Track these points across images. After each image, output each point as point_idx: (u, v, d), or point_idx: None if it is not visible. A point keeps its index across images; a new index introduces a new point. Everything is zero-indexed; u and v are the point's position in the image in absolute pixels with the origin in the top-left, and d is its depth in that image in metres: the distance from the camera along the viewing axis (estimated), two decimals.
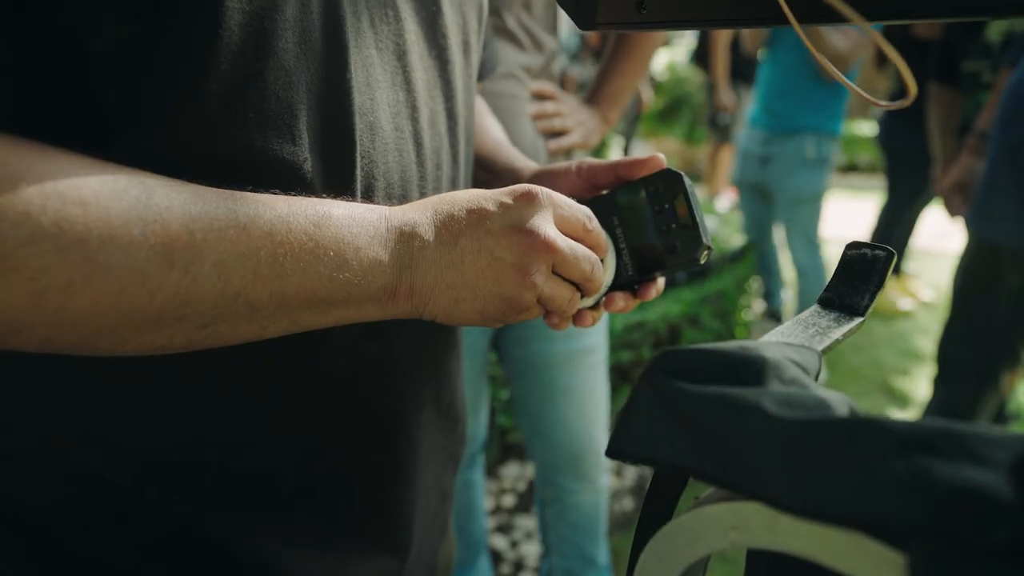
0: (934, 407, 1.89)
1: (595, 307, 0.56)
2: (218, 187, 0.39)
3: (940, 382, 1.87)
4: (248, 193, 0.39)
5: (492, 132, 0.76)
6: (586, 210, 0.52)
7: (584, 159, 0.61)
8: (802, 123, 2.63)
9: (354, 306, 0.42)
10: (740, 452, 0.27)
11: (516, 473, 2.24)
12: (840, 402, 0.28)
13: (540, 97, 1.17)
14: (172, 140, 0.39)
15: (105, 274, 0.33)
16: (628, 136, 5.34)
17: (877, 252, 0.41)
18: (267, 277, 0.38)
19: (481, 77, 0.75)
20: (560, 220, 0.49)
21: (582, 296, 0.53)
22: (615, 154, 5.15)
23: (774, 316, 3.22)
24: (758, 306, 3.35)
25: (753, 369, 0.30)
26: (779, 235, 3.07)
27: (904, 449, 0.24)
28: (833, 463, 0.25)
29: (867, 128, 7.32)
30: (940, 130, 2.33)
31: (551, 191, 0.49)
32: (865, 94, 0.40)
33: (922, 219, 3.46)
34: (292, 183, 0.43)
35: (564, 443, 1.35)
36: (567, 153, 1.22)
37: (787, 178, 2.74)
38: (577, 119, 1.21)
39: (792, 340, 0.37)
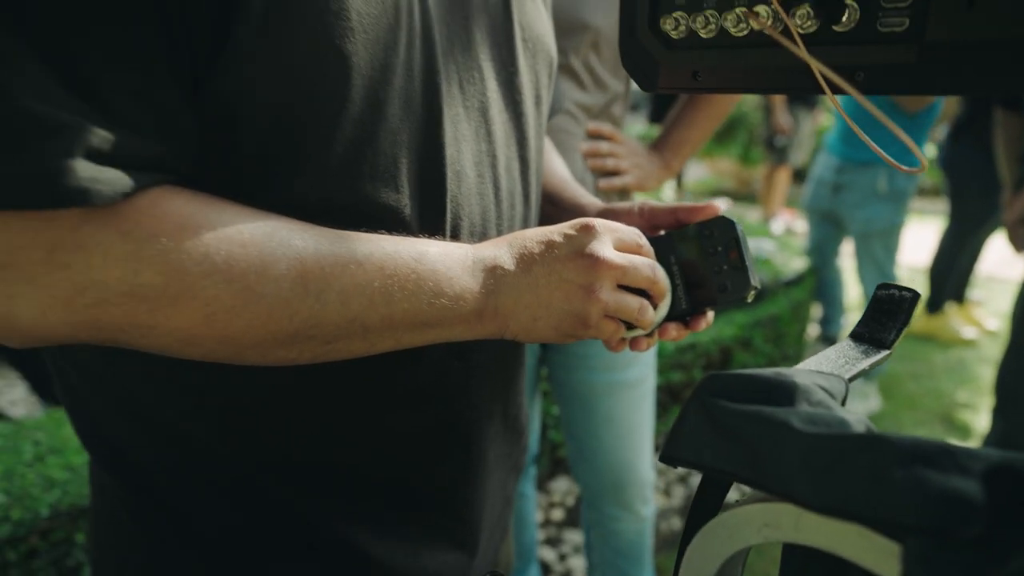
0: (993, 438, 1.86)
1: (650, 335, 0.63)
2: (339, 228, 0.47)
3: (999, 413, 1.84)
4: (362, 233, 0.47)
5: (559, 170, 0.83)
6: (637, 231, 0.58)
7: (647, 202, 0.68)
8: (876, 154, 2.59)
9: (447, 327, 0.50)
10: (770, 459, 0.34)
11: (565, 488, 2.28)
12: (857, 422, 0.34)
13: (596, 136, 1.22)
14: (305, 191, 0.47)
15: (258, 301, 0.42)
16: None
17: (904, 293, 0.46)
18: (379, 304, 0.46)
19: (548, 117, 0.83)
20: (618, 242, 0.56)
21: (654, 306, 0.59)
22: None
23: (830, 342, 3.18)
24: (814, 331, 3.32)
25: (785, 392, 0.36)
26: (847, 261, 3.05)
27: (904, 461, 0.30)
28: (846, 470, 0.31)
29: (929, 150, 7.13)
30: (1006, 157, 2.30)
31: (607, 221, 0.56)
32: (881, 153, 0.45)
33: (988, 245, 3.37)
34: (395, 224, 0.51)
35: (606, 471, 1.37)
36: (620, 193, 1.26)
37: (858, 209, 2.69)
38: (634, 162, 1.25)
39: (823, 368, 0.42)
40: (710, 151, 7.31)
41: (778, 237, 3.49)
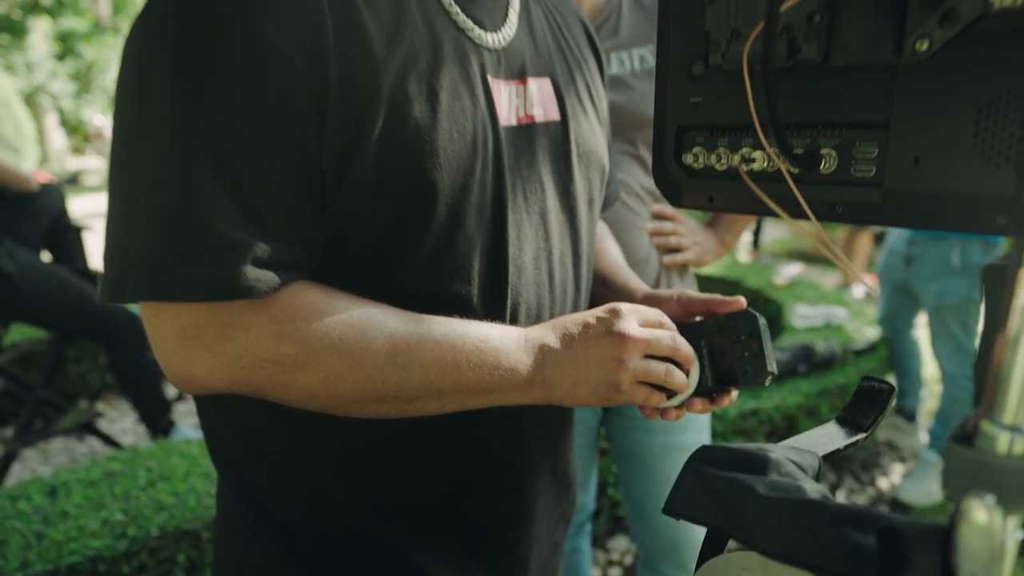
0: None
1: (680, 407, 0.73)
2: (423, 312, 0.61)
3: None
4: (440, 317, 0.61)
5: (612, 255, 0.95)
6: (659, 312, 0.69)
7: (684, 291, 0.79)
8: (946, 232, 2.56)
9: (504, 393, 0.62)
10: (742, 516, 0.44)
11: (624, 547, 2.32)
12: (813, 491, 0.44)
13: (660, 217, 1.34)
14: (399, 283, 0.61)
15: (360, 369, 0.56)
16: (758, 223, 5.36)
17: (882, 386, 0.55)
18: (450, 373, 0.59)
19: (604, 208, 0.95)
20: (642, 321, 0.67)
21: (672, 394, 0.70)
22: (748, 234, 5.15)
23: (906, 415, 3.09)
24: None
25: (759, 463, 0.46)
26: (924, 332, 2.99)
27: (836, 521, 0.40)
28: (794, 527, 0.41)
29: None
30: None
31: (633, 305, 0.67)
32: (849, 268, 0.55)
33: None
34: (465, 309, 0.64)
35: (663, 531, 1.42)
36: (682, 268, 1.37)
37: (931, 283, 2.64)
38: (694, 239, 1.36)
39: (804, 445, 0.52)
40: None
41: (853, 304, 3.45)
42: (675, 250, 1.34)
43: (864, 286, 3.90)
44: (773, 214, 0.59)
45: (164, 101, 0.52)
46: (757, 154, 0.55)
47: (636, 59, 1.23)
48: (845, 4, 0.48)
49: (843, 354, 2.70)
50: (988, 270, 0.44)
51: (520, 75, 0.70)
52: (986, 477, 0.33)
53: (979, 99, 0.45)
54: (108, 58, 15.59)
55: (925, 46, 0.46)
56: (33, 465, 2.91)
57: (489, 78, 0.66)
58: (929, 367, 3.30)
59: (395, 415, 0.60)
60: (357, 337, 0.56)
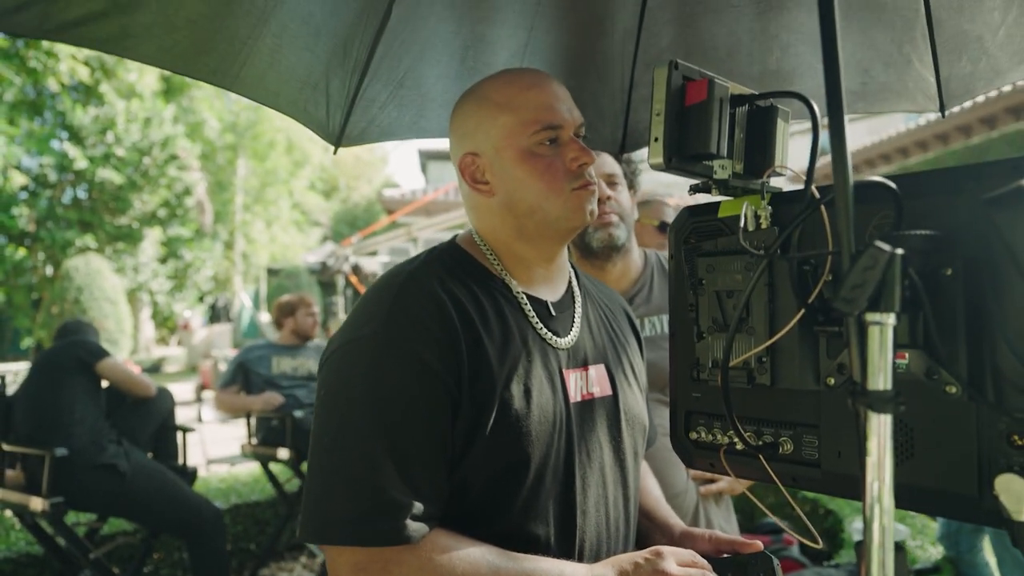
0: None
1: None
2: (516, 551, 0.84)
3: None
4: (530, 555, 0.84)
5: (654, 493, 1.17)
6: (693, 552, 0.90)
7: (715, 532, 1.00)
8: None
9: None
10: None
11: None
12: None
13: None
14: (499, 528, 0.85)
15: None
16: None
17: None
18: None
19: (646, 449, 1.19)
20: (679, 560, 0.87)
21: None
22: None
23: None
24: None
25: None
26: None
27: None
28: None
29: None
30: None
31: (672, 548, 0.89)
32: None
33: None
34: (544, 547, 0.87)
35: None
36: (717, 495, 1.57)
37: None
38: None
39: None
40: None
41: (914, 520, 3.40)
42: (711, 480, 1.54)
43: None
44: (753, 479, 0.83)
45: (358, 405, 0.83)
46: (737, 440, 0.80)
47: (665, 323, 1.53)
48: (782, 351, 0.75)
49: (906, 573, 2.66)
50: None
51: (583, 364, 0.99)
52: None
53: None
54: (204, 258, 17.44)
55: (832, 382, 0.72)
56: None
57: (563, 371, 0.95)
58: None
59: None
60: (473, 570, 0.80)
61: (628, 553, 0.90)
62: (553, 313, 0.99)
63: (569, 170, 0.94)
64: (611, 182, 1.51)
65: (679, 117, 0.75)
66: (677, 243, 0.88)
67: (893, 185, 0.67)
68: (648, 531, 1.08)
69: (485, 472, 0.86)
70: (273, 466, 3.85)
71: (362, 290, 10.56)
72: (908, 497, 0.69)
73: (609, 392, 1.02)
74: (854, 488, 0.72)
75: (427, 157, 22.15)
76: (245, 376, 3.93)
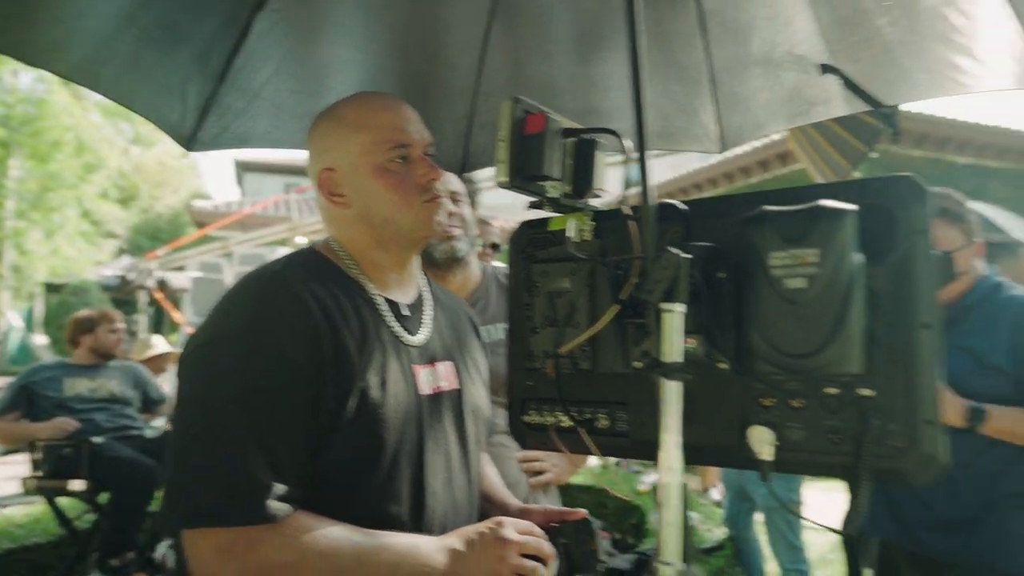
0: None
1: None
2: (373, 528, 0.91)
3: None
4: (386, 532, 0.91)
5: (493, 478, 1.30)
6: (530, 523, 1.03)
7: (547, 506, 1.14)
8: None
9: None
10: None
11: None
12: None
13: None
14: (357, 509, 0.92)
15: (337, 569, 0.86)
16: None
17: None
18: (396, 570, 0.89)
19: (484, 444, 1.31)
20: (518, 529, 1.00)
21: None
22: None
23: None
24: None
25: None
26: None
27: None
28: None
29: None
30: None
31: (512, 518, 1.01)
32: None
33: None
34: (399, 524, 0.95)
35: None
36: (546, 486, 1.74)
37: (761, 486, 3.15)
38: (553, 463, 1.75)
39: None
40: None
41: (705, 507, 3.88)
42: (539, 472, 1.71)
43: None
44: (578, 452, 0.98)
45: (224, 398, 0.87)
46: (564, 418, 0.95)
47: (500, 331, 1.68)
48: (601, 341, 0.91)
49: (694, 553, 3.04)
50: None
51: (432, 360, 1.09)
52: None
53: None
54: None
55: (638, 364, 0.89)
56: None
57: (413, 366, 1.04)
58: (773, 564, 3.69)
59: None
60: (335, 547, 0.86)
61: (472, 525, 1.01)
62: (405, 314, 1.08)
63: (419, 185, 1.04)
64: (455, 199, 1.64)
65: (520, 144, 0.89)
66: (515, 252, 1.02)
67: (684, 207, 0.86)
68: (488, 510, 1.20)
69: (346, 456, 0.93)
70: (62, 501, 3.45)
71: (169, 307, 9.72)
72: (694, 453, 0.87)
73: (456, 386, 1.13)
74: (654, 451, 0.89)
75: (244, 168, 20.94)
76: (29, 400, 3.50)
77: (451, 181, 1.63)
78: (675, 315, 0.73)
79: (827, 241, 0.69)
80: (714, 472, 6.00)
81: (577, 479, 4.41)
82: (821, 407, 0.78)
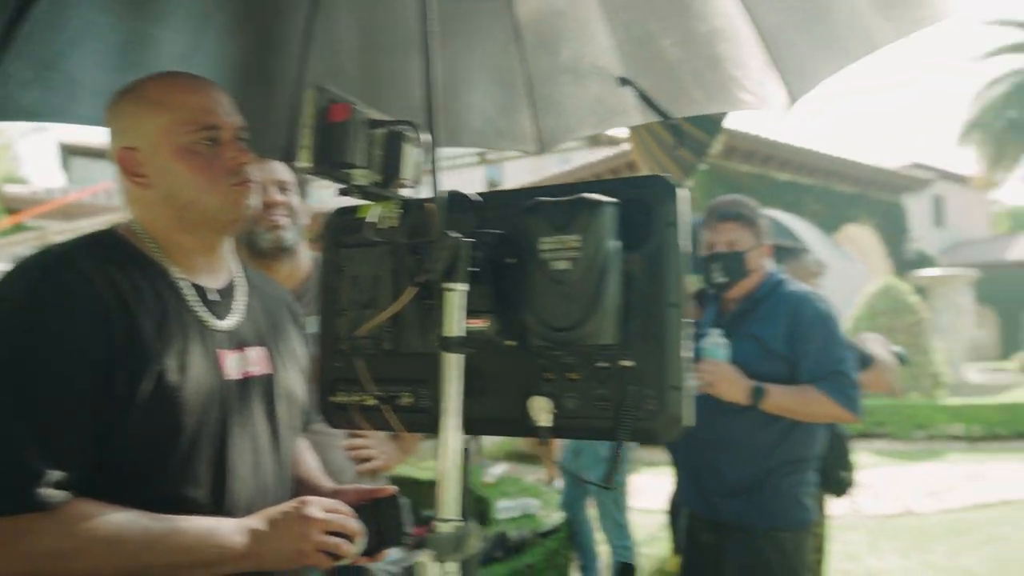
0: None
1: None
2: (172, 513, 0.89)
3: None
4: (182, 516, 0.90)
5: (308, 464, 1.31)
6: (337, 501, 1.06)
7: (359, 486, 1.17)
8: None
9: (228, 563, 0.92)
10: None
11: None
12: None
13: (355, 435, 1.73)
14: (151, 493, 0.90)
15: (121, 557, 0.84)
16: None
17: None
18: (189, 554, 0.88)
19: (304, 429, 1.32)
20: (324, 507, 1.02)
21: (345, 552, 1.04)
22: None
23: None
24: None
25: None
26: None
27: None
28: None
29: None
30: None
31: (318, 498, 1.03)
32: None
33: None
34: (200, 509, 0.94)
35: None
36: (373, 472, 1.75)
37: (592, 470, 3.39)
38: (381, 450, 1.77)
39: None
40: None
41: (546, 494, 4.07)
42: (367, 459, 1.73)
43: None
44: (384, 429, 1.02)
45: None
46: (369, 397, 0.99)
47: None
48: (402, 321, 0.96)
49: (533, 537, 3.20)
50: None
51: (241, 345, 1.09)
52: (432, 544, 0.75)
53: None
54: None
55: (435, 343, 0.95)
56: None
57: (219, 351, 1.03)
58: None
59: None
60: (120, 533, 0.84)
61: (277, 505, 1.02)
62: (214, 299, 1.07)
63: (228, 168, 1.04)
64: (282, 188, 1.63)
65: (324, 131, 0.92)
66: (326, 236, 1.05)
67: (477, 197, 0.93)
68: (302, 494, 1.21)
69: (140, 440, 0.91)
70: None
71: None
72: (485, 425, 0.95)
73: (268, 371, 1.13)
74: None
75: (71, 152, 18.92)
76: None
77: (278, 170, 1.61)
78: (456, 293, 0.80)
79: (587, 228, 0.79)
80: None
81: (424, 474, 4.46)
82: (592, 378, 0.88)
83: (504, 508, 3.64)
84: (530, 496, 3.89)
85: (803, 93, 1.21)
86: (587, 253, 0.79)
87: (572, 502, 3.57)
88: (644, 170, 5.53)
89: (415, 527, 1.13)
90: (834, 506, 3.23)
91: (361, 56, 1.36)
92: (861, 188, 14.92)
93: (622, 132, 5.75)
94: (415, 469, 4.31)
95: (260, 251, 1.61)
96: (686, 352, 0.87)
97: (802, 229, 3.64)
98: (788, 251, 2.88)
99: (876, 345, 2.76)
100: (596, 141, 8.38)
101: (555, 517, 3.60)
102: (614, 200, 0.82)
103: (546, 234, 0.81)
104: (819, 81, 1.19)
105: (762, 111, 1.31)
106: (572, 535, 3.52)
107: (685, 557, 2.27)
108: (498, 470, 4.68)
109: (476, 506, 3.95)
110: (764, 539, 2.01)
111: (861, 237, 15.22)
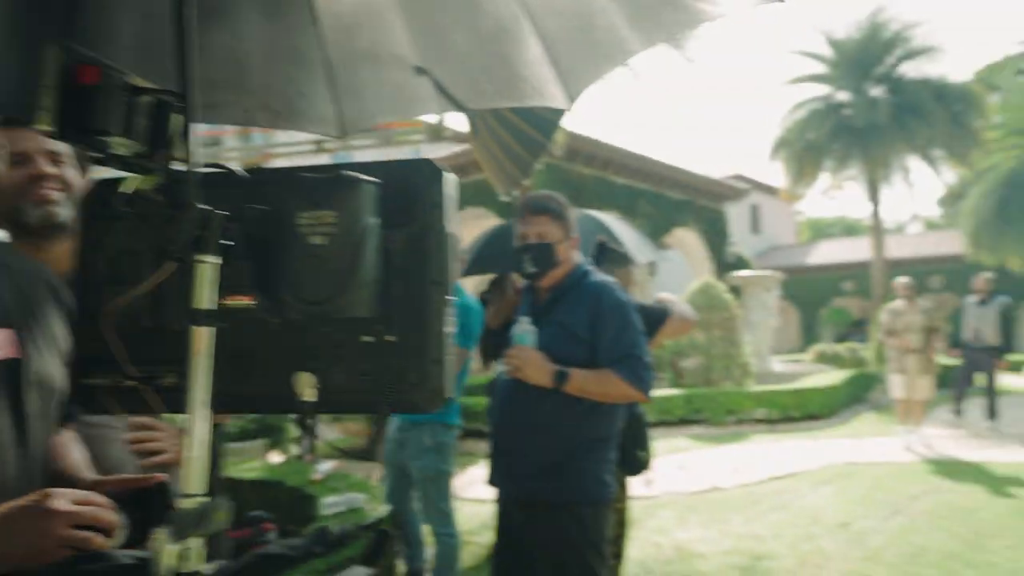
0: None
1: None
2: None
3: None
4: None
5: (71, 457, 1.21)
6: (91, 492, 0.99)
7: (124, 476, 1.10)
8: (421, 415, 3.41)
9: None
10: None
11: None
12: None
13: (139, 427, 1.61)
14: None
15: None
16: None
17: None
18: None
19: (66, 423, 1.22)
20: (73, 499, 0.95)
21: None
22: None
23: None
24: (403, 567, 3.78)
25: None
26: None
27: None
28: None
29: None
30: None
31: (65, 490, 0.97)
32: None
33: None
34: None
35: None
36: (163, 466, 1.64)
37: (415, 460, 3.42)
38: (172, 443, 1.66)
39: None
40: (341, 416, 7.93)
41: (374, 488, 4.04)
42: (154, 453, 1.62)
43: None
44: (144, 413, 0.98)
45: None
46: (126, 378, 0.94)
47: None
48: (164, 298, 0.93)
49: (355, 531, 3.16)
50: None
51: None
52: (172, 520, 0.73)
53: None
54: None
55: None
56: None
57: None
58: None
59: None
60: None
61: (21, 498, 0.95)
62: None
63: None
64: (55, 159, 1.49)
65: (71, 94, 0.86)
66: (85, 208, 0.98)
67: (244, 173, 0.92)
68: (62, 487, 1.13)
69: None
70: None
71: None
72: (252, 403, 0.94)
73: (15, 355, 1.04)
74: (220, 403, 0.93)
75: None
76: None
77: (50, 141, 1.47)
78: (207, 267, 0.78)
79: (344, 205, 0.81)
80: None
81: (248, 474, 4.26)
82: (358, 353, 0.90)
83: (330, 504, 3.57)
84: (358, 491, 3.84)
85: (577, 94, 1.31)
86: (343, 228, 0.81)
87: (396, 493, 3.58)
88: (485, 169, 5.67)
89: (236, 529, 1.09)
90: (648, 487, 3.51)
91: (142, 23, 1.28)
92: (690, 195, 16.26)
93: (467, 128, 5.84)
94: (237, 470, 4.09)
95: (27, 228, 1.46)
96: (449, 328, 0.92)
97: (629, 236, 3.90)
98: (618, 257, 3.11)
99: (671, 300, 3.07)
100: (439, 135, 8.42)
101: (381, 509, 3.58)
102: (374, 180, 0.85)
103: (304, 209, 0.82)
104: (589, 84, 1.31)
105: (547, 106, 1.40)
106: (399, 526, 3.54)
107: (497, 537, 2.37)
108: (326, 466, 4.57)
109: (303, 506, 3.83)
110: (567, 514, 2.14)
111: (688, 240, 16.60)
